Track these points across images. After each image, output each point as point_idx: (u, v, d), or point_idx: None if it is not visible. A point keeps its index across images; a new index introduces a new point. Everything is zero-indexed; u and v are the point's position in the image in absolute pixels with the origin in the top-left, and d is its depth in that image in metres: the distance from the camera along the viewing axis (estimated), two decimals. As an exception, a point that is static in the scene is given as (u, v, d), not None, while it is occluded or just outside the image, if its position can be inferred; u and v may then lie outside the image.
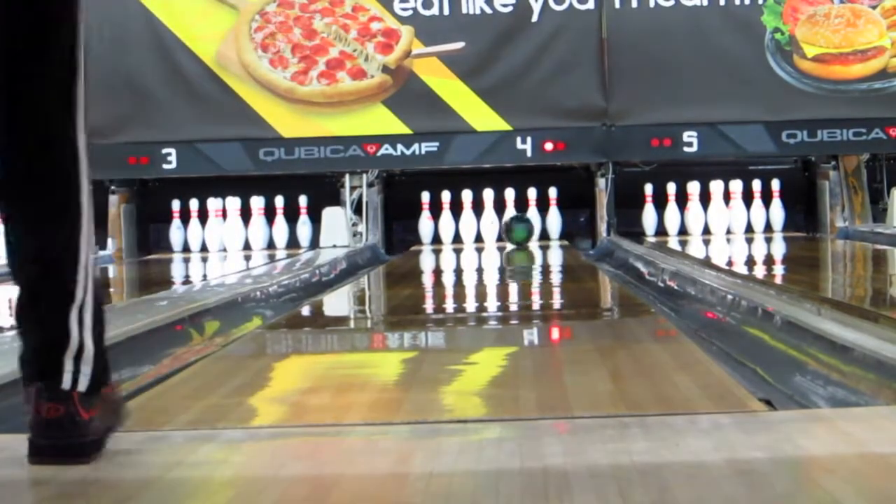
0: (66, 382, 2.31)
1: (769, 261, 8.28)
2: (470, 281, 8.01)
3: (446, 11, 10.04)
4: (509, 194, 10.53)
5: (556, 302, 6.41)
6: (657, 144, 9.96)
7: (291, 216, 10.44)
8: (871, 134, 9.92)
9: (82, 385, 2.32)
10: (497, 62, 9.98)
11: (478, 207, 10.51)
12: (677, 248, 9.21)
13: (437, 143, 9.97)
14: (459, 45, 9.99)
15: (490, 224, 10.46)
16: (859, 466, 2.19)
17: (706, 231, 10.29)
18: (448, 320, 5.50)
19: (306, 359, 4.46)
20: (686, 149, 9.97)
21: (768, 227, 10.39)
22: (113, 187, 10.20)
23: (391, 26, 10.07)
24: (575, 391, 3.26)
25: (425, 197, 10.50)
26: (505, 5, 10.03)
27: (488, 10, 10.03)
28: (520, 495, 2.05)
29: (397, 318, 5.74)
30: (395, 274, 8.37)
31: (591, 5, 9.99)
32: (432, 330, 5.10)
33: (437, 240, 10.50)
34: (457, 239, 10.47)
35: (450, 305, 6.30)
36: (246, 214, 10.41)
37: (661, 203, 10.37)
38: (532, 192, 10.53)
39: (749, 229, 10.36)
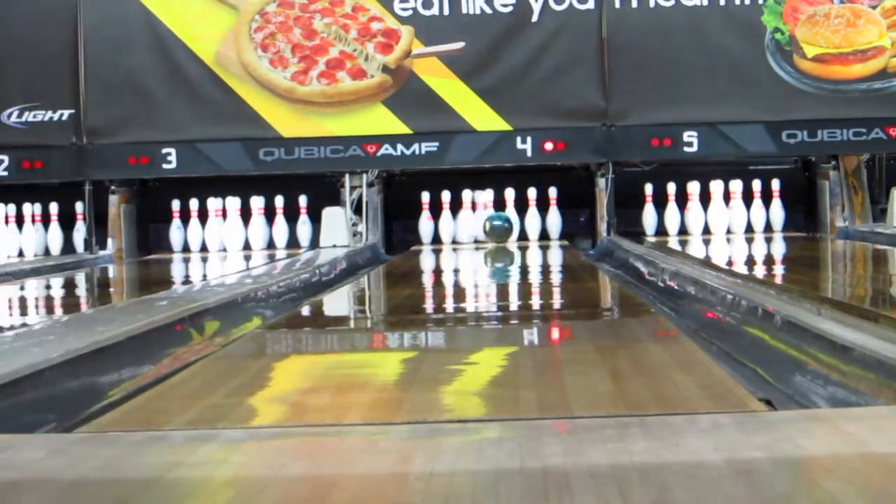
0: None
1: (769, 261, 8.27)
2: (470, 281, 8.00)
3: (446, 11, 10.04)
4: (509, 194, 10.54)
5: (556, 302, 6.41)
6: (657, 144, 9.96)
7: (291, 216, 10.45)
8: (871, 134, 9.92)
9: None
10: (497, 62, 9.98)
11: (478, 207, 10.52)
12: (677, 247, 9.20)
13: (437, 143, 9.96)
14: (459, 45, 9.99)
15: (490, 224, 10.47)
16: (859, 466, 2.19)
17: (706, 231, 10.29)
18: (448, 320, 5.50)
19: (306, 359, 4.45)
20: (686, 149, 9.97)
21: (768, 227, 10.39)
22: (113, 187, 10.20)
23: (391, 26, 10.07)
24: (575, 391, 3.26)
25: (425, 197, 10.51)
26: (505, 5, 10.03)
27: (488, 10, 10.03)
28: (520, 495, 2.05)
29: (397, 318, 5.74)
30: (395, 274, 8.36)
31: (591, 5, 9.99)
32: (432, 330, 5.09)
33: (437, 240, 10.50)
34: (457, 239, 10.48)
35: (450, 305, 6.29)
36: (246, 214, 10.41)
37: (661, 203, 10.37)
38: (532, 192, 10.54)
39: (749, 229, 10.36)
